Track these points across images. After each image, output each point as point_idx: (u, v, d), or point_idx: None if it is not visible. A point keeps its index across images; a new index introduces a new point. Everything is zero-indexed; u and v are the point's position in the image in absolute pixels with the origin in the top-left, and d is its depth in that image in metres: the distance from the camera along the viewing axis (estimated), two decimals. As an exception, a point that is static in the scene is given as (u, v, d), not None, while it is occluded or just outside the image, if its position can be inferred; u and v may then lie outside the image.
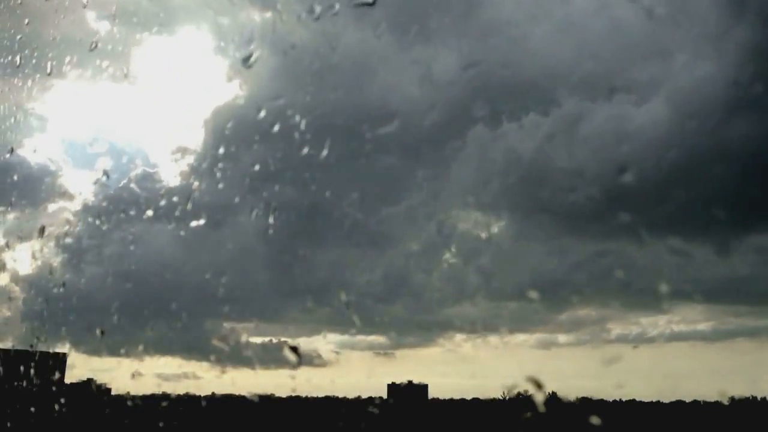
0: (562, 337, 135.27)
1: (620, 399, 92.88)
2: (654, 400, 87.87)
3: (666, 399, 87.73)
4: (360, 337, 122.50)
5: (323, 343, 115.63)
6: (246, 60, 13.59)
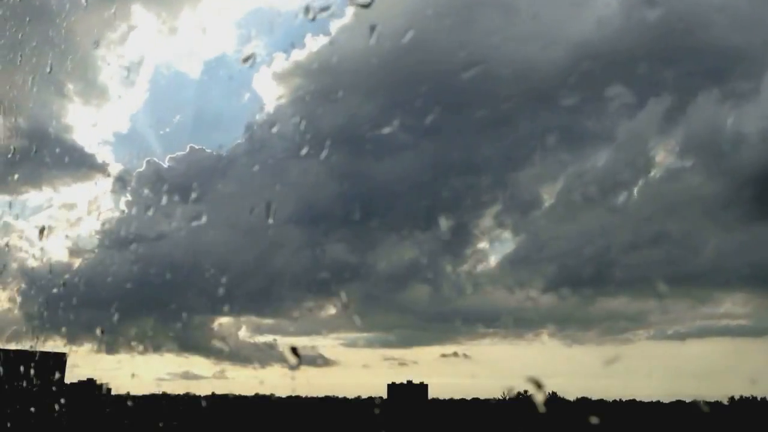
0: (592, 333, 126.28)
1: (620, 399, 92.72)
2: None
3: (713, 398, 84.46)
4: (373, 335, 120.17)
5: (325, 341, 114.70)
6: (246, 59, 13.57)
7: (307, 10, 10.28)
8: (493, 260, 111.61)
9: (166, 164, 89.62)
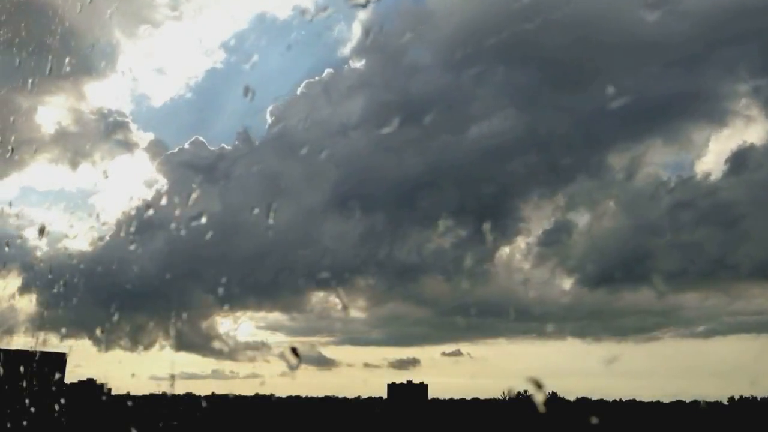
0: (615, 330, 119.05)
1: (620, 399, 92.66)
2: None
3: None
4: (375, 333, 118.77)
5: (326, 340, 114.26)
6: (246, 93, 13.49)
7: (303, 12, 10.29)
8: (513, 255, 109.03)
9: (210, 147, 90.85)
